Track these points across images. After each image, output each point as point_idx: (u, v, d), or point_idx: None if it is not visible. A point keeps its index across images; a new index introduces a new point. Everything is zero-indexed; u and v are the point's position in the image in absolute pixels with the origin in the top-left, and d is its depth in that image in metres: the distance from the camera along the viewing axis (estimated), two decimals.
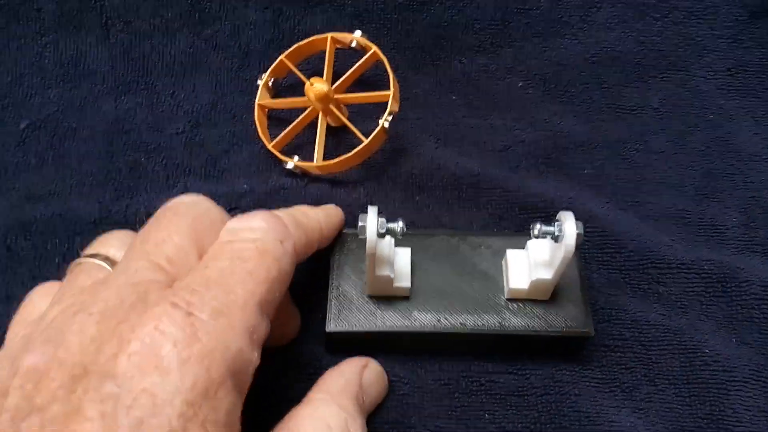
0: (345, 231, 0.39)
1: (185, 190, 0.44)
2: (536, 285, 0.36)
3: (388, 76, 0.44)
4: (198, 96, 0.48)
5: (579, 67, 0.49)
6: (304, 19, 0.49)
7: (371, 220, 0.32)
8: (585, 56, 0.49)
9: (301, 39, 0.48)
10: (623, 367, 0.39)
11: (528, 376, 0.38)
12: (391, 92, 0.43)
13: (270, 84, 0.47)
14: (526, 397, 0.38)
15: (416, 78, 0.49)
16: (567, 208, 0.43)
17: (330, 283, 0.38)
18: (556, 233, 0.32)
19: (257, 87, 0.47)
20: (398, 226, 0.33)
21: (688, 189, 0.46)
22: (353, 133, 0.44)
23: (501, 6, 0.49)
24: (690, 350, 0.39)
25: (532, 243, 0.36)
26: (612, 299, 0.41)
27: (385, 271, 0.35)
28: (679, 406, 0.38)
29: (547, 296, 0.37)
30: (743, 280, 0.41)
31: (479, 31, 0.49)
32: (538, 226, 0.33)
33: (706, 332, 0.40)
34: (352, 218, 0.42)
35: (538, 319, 0.37)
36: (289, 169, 0.44)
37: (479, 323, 0.36)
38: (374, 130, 0.43)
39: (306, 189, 0.44)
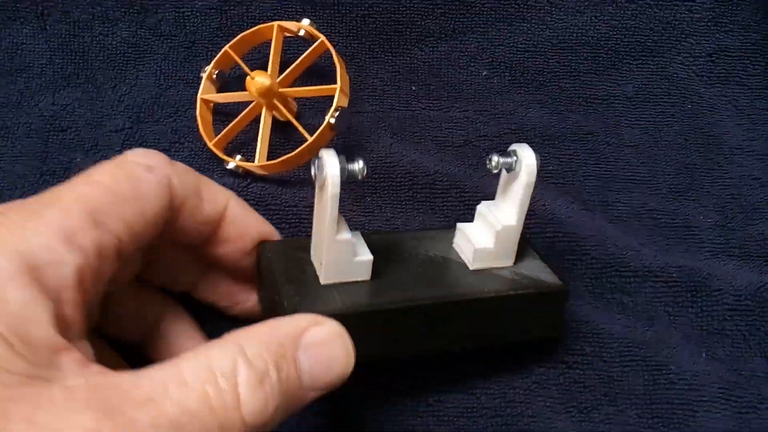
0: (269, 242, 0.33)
1: None
2: (503, 238, 0.32)
3: (336, 68, 0.41)
4: (141, 89, 0.45)
5: (547, 54, 0.45)
6: (253, 5, 0.46)
7: (332, 159, 0.28)
8: (553, 42, 0.45)
9: (250, 27, 0.45)
10: (582, 385, 0.36)
11: (479, 395, 0.36)
12: (338, 86, 0.40)
13: (215, 76, 0.44)
14: (475, 419, 0.35)
15: (374, 67, 0.46)
16: (529, 210, 0.40)
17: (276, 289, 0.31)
18: (513, 162, 0.31)
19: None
20: (358, 166, 0.29)
21: (661, 186, 0.43)
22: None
23: None
24: (655, 367, 0.36)
25: (481, 208, 0.33)
26: (573, 310, 0.38)
27: (345, 234, 0.30)
28: (641, 429, 0.35)
29: (512, 258, 0.33)
30: (715, 288, 0.38)
31: (440, 16, 0.46)
32: (495, 157, 0.31)
33: (674, 346, 0.37)
34: (297, 221, 0.40)
35: (509, 281, 0.33)
36: (230, 169, 0.42)
37: (450, 293, 0.32)
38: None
39: (248, 190, 0.41)
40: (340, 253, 0.30)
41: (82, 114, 0.44)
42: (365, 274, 0.31)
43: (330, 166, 0.28)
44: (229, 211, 0.32)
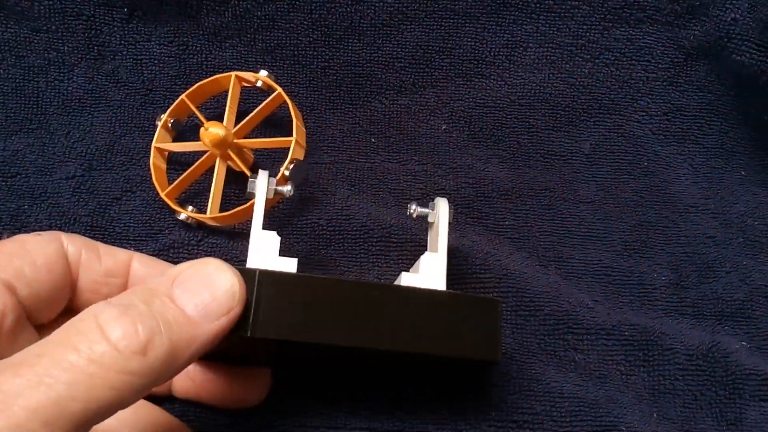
0: None
1: None
2: (429, 264, 0.34)
3: (292, 120, 0.40)
4: (95, 136, 0.45)
5: (505, 110, 0.46)
6: (212, 54, 0.46)
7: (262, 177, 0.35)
8: (512, 98, 0.46)
9: (209, 76, 0.45)
10: None
11: None
12: (293, 138, 0.40)
13: (170, 125, 0.44)
14: None
15: (333, 118, 0.46)
16: (482, 265, 0.40)
17: None
18: (430, 213, 0.36)
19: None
20: (286, 188, 0.36)
21: (616, 243, 0.43)
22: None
23: (422, 44, 0.46)
24: (605, 427, 0.36)
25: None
26: (525, 368, 0.37)
27: (272, 233, 0.33)
28: None
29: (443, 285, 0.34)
30: (667, 347, 0.38)
31: (400, 70, 0.46)
32: (414, 206, 0.36)
33: (625, 406, 0.37)
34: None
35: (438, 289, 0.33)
36: (182, 220, 0.41)
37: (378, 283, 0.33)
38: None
39: (199, 244, 0.40)
40: (265, 247, 0.32)
41: (33, 160, 0.43)
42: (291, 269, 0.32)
43: (260, 179, 0.35)
44: (134, 264, 0.33)
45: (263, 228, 0.33)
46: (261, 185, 0.35)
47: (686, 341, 0.38)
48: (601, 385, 0.37)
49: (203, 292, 0.26)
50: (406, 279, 0.34)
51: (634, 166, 0.45)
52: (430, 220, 0.37)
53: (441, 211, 0.36)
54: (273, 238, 0.33)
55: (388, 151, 0.45)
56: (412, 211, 0.36)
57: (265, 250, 0.32)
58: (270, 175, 0.35)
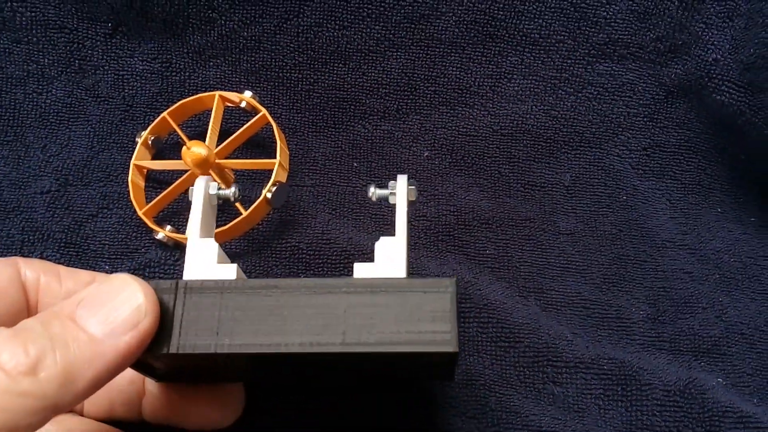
0: None
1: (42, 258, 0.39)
2: (386, 250, 0.32)
3: (276, 142, 0.40)
4: (72, 151, 0.44)
5: (488, 139, 0.46)
6: (196, 72, 0.46)
7: (200, 182, 0.34)
8: (494, 128, 0.46)
9: (191, 94, 0.44)
10: None
11: None
12: (277, 160, 0.40)
13: (150, 142, 0.43)
14: None
15: (316, 141, 0.46)
16: (462, 294, 0.40)
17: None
18: (390, 195, 0.35)
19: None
20: (231, 191, 0.35)
21: (595, 276, 0.43)
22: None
23: (408, 71, 0.46)
24: None
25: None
26: (503, 400, 0.37)
27: (210, 240, 0.31)
28: None
29: (404, 272, 0.31)
30: (645, 383, 0.38)
31: (384, 96, 0.46)
32: (372, 189, 0.35)
33: None
34: None
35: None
36: (159, 240, 0.40)
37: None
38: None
39: (176, 264, 0.40)
40: (202, 255, 0.31)
41: (7, 173, 0.42)
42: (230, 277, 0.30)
43: (197, 184, 0.34)
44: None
45: (202, 237, 0.32)
46: (198, 191, 0.34)
47: (664, 377, 0.38)
48: (579, 419, 0.37)
49: (106, 309, 0.25)
50: (359, 270, 0.31)
51: (613, 199, 0.45)
52: (391, 201, 0.35)
53: (399, 190, 0.34)
54: (211, 246, 0.31)
55: (370, 176, 0.45)
56: (371, 194, 0.35)
57: (203, 259, 0.31)
58: (212, 186, 0.35)
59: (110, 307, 0.25)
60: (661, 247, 0.44)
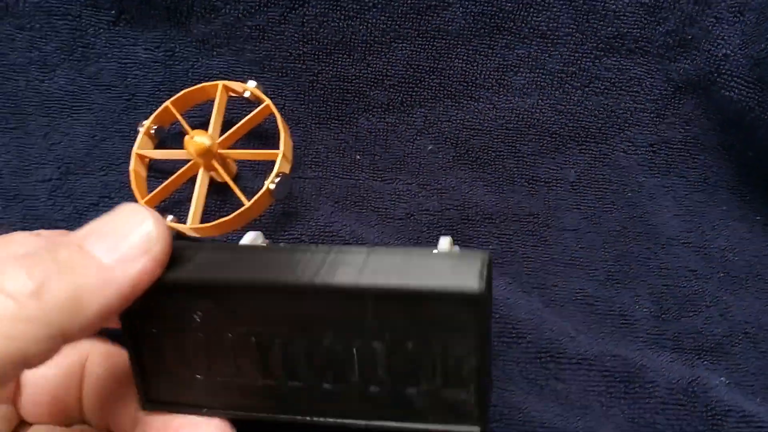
0: None
1: None
2: None
3: (280, 133, 0.40)
4: (74, 139, 0.44)
5: (493, 133, 0.45)
6: (199, 62, 0.45)
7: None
8: (500, 122, 0.45)
9: (195, 83, 0.44)
10: None
11: None
12: (280, 151, 0.39)
13: (153, 131, 0.43)
14: None
15: (319, 133, 0.45)
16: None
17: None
18: None
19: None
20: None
21: (599, 273, 0.42)
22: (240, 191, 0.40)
23: (413, 63, 0.45)
24: None
25: None
26: (506, 396, 0.37)
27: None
28: None
29: None
30: (648, 380, 0.38)
31: (389, 87, 0.46)
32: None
33: None
34: None
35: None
36: None
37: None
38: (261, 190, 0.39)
39: None
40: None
41: (9, 161, 0.42)
42: None
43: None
44: None
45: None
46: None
47: (667, 375, 0.38)
48: (582, 416, 0.37)
49: (115, 236, 0.25)
50: None
51: (618, 196, 0.45)
52: None
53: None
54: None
55: (372, 169, 0.45)
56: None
57: None
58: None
59: (120, 235, 0.25)
60: (666, 245, 0.44)
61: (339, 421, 0.27)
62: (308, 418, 0.27)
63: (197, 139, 0.39)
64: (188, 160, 0.41)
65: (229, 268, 0.26)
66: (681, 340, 0.41)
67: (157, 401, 0.28)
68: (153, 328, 0.27)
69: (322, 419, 0.27)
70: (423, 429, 0.26)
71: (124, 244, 0.24)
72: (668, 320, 0.41)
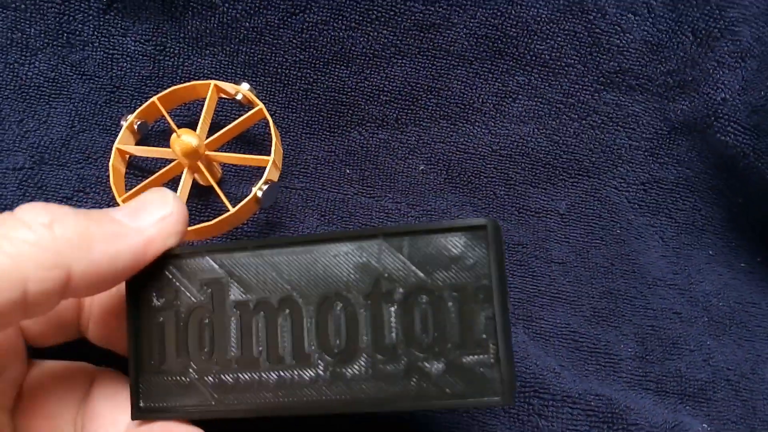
0: None
1: None
2: None
3: (272, 139, 0.38)
4: (50, 128, 0.41)
5: (486, 159, 0.44)
6: (190, 59, 0.43)
7: None
8: (494, 147, 0.44)
9: (183, 81, 0.42)
10: None
11: None
12: (271, 158, 0.38)
13: (136, 126, 0.41)
14: None
15: (309, 143, 0.44)
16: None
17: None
18: None
19: (121, 128, 0.40)
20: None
21: (585, 308, 0.42)
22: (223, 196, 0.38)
23: (411, 80, 0.44)
24: None
25: None
26: (486, 430, 0.36)
27: None
28: None
29: None
30: (632, 422, 0.37)
31: (385, 103, 0.44)
32: None
33: None
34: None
35: None
36: None
37: None
38: (247, 197, 0.37)
39: None
40: None
41: None
42: None
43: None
44: None
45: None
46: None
47: (650, 418, 0.37)
48: None
49: (136, 206, 0.27)
50: None
51: (607, 231, 0.44)
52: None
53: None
54: None
55: (362, 185, 0.44)
56: None
57: None
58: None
59: (140, 205, 0.26)
60: (652, 285, 0.43)
61: (350, 408, 0.25)
62: (316, 407, 0.25)
63: (185, 139, 0.37)
64: (172, 160, 0.39)
65: (240, 242, 0.27)
66: (664, 383, 0.40)
67: (148, 410, 0.27)
68: (157, 300, 0.27)
69: (331, 408, 0.25)
70: (441, 406, 0.25)
71: (144, 212, 0.26)
72: (652, 362, 0.40)
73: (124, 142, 0.40)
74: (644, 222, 0.45)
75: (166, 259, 0.27)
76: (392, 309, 0.25)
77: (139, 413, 0.27)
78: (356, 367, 0.25)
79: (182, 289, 0.26)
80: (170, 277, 0.27)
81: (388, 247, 0.25)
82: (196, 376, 0.26)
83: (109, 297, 0.29)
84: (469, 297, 0.24)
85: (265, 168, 0.38)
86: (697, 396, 0.40)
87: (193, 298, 0.26)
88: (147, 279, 0.27)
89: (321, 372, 0.25)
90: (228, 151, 0.42)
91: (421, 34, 0.43)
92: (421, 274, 0.25)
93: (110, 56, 0.43)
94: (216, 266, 0.26)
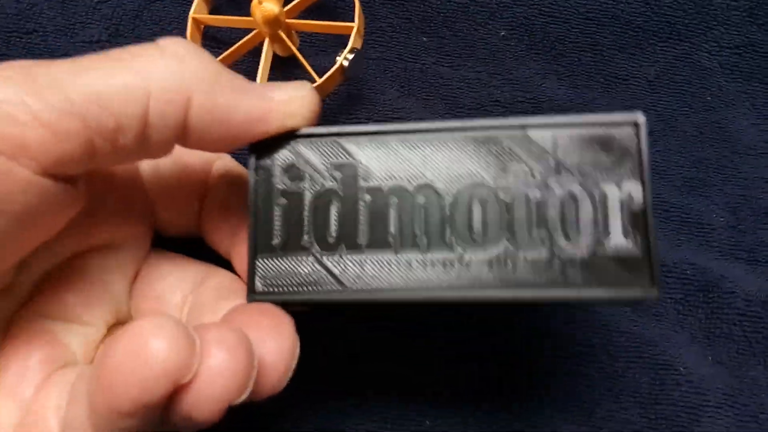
0: None
1: None
2: None
3: (354, 5, 0.36)
4: None
5: (571, 23, 0.42)
6: None
7: None
8: (580, 10, 0.42)
9: None
10: (584, 377, 0.34)
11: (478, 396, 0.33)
12: (355, 24, 0.36)
13: None
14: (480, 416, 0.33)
15: (383, 10, 0.42)
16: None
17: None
18: None
19: None
20: None
21: (674, 178, 0.40)
22: (304, 68, 0.36)
23: None
24: (661, 365, 0.34)
25: None
26: None
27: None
28: (644, 429, 0.33)
29: None
30: (727, 290, 0.36)
31: None
32: None
33: (680, 345, 0.35)
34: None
35: None
36: None
37: None
38: (329, 67, 0.35)
39: None
40: None
41: (52, 17, 0.38)
42: None
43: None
44: None
45: None
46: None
47: (744, 286, 0.37)
48: (657, 323, 0.36)
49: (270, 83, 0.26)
50: None
51: (697, 98, 0.43)
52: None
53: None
54: None
55: (440, 53, 0.42)
56: None
57: None
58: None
59: (275, 83, 0.25)
60: (743, 154, 0.42)
61: (486, 296, 0.24)
62: (447, 295, 0.24)
63: (266, 5, 0.35)
64: (250, 30, 0.38)
65: (372, 126, 0.26)
66: (756, 252, 0.39)
67: (264, 293, 0.25)
68: (281, 180, 0.26)
69: (463, 297, 0.24)
70: (576, 297, 0.24)
71: (277, 87, 0.25)
72: (744, 231, 0.39)
73: (199, 12, 0.39)
74: (736, 88, 0.43)
75: (293, 139, 0.25)
76: (534, 198, 0.24)
77: (254, 295, 0.25)
78: (496, 253, 0.24)
79: (309, 170, 0.25)
80: (296, 158, 0.25)
81: (530, 139, 0.24)
82: (320, 261, 0.25)
83: (230, 193, 0.29)
84: (615, 190, 0.24)
85: (343, 37, 0.36)
86: None
87: (322, 181, 0.25)
88: (272, 156, 0.25)
89: (458, 257, 0.24)
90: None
91: None
92: (567, 165, 0.24)
93: None
94: (346, 150, 0.25)
